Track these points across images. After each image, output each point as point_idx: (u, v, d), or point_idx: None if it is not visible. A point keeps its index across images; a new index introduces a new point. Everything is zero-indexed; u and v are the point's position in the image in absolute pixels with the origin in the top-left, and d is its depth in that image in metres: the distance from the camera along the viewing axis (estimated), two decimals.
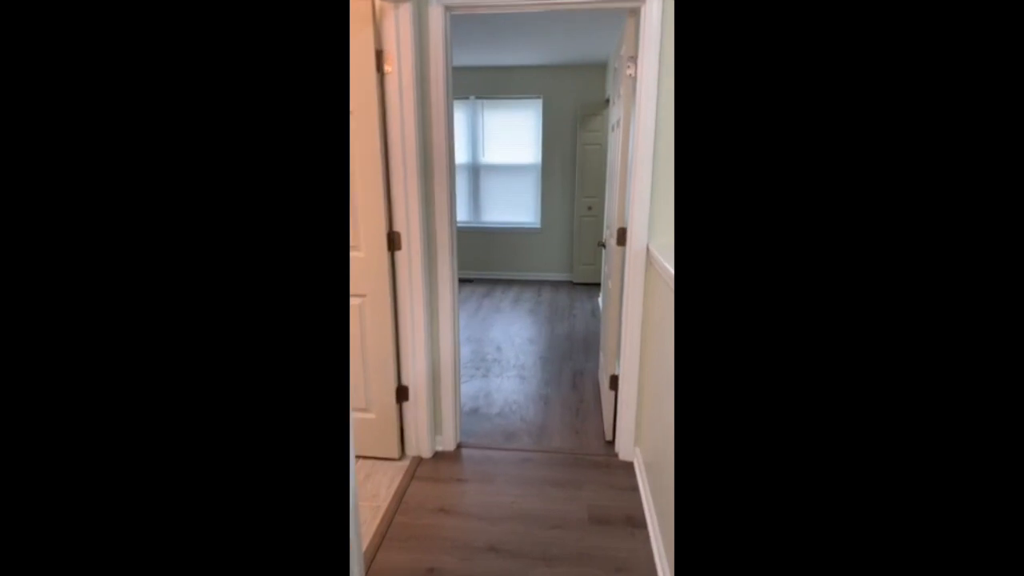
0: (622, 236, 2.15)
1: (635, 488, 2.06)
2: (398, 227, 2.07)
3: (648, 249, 2.00)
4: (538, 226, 5.45)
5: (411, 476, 2.16)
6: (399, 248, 2.08)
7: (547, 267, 5.55)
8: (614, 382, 2.30)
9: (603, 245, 2.80)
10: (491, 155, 5.35)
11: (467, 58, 4.64)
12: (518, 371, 3.18)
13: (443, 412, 2.32)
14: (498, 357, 3.40)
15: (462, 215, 5.53)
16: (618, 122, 2.37)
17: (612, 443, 2.37)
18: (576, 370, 3.19)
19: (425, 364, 2.21)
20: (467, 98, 5.23)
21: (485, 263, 5.60)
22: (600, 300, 4.57)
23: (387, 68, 1.91)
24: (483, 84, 5.17)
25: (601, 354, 2.80)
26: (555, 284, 5.40)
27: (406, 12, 1.86)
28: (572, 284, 5.39)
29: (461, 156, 5.38)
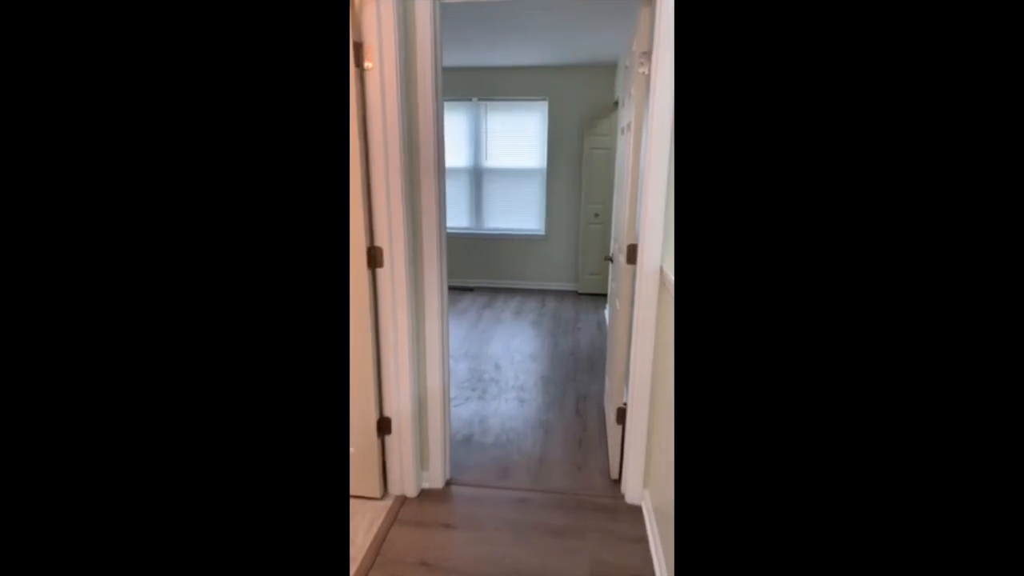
0: (632, 254, 1.92)
1: (643, 539, 1.82)
2: (380, 242, 1.85)
3: (662, 270, 1.76)
4: (542, 233, 5.23)
5: (393, 519, 1.93)
6: (380, 265, 1.86)
7: (551, 276, 5.32)
8: (621, 415, 2.07)
9: (611, 260, 2.56)
10: (494, 159, 5.13)
11: (468, 58, 4.43)
12: (517, 393, 2.95)
13: (430, 445, 2.09)
14: (496, 376, 3.17)
15: (463, 221, 5.31)
16: (629, 125, 2.14)
17: (618, 483, 2.14)
18: (580, 393, 2.95)
19: (410, 393, 1.98)
20: (469, 100, 5.02)
21: (487, 271, 5.38)
22: (607, 313, 4.33)
23: (367, 64, 1.69)
24: (485, 85, 4.95)
25: (607, 379, 2.56)
26: (559, 294, 5.17)
27: (389, 2, 1.64)
28: (577, 294, 5.16)
29: (462, 160, 5.17)
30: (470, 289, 5.30)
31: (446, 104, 5.06)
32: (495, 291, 5.23)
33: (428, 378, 2.04)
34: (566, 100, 4.89)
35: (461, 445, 2.42)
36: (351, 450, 1.98)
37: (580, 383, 3.08)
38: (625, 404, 2.01)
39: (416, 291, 1.95)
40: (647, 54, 1.75)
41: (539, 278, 5.34)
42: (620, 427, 2.09)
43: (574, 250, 5.21)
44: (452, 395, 2.91)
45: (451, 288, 5.31)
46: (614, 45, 3.88)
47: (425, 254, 1.91)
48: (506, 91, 4.94)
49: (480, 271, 5.39)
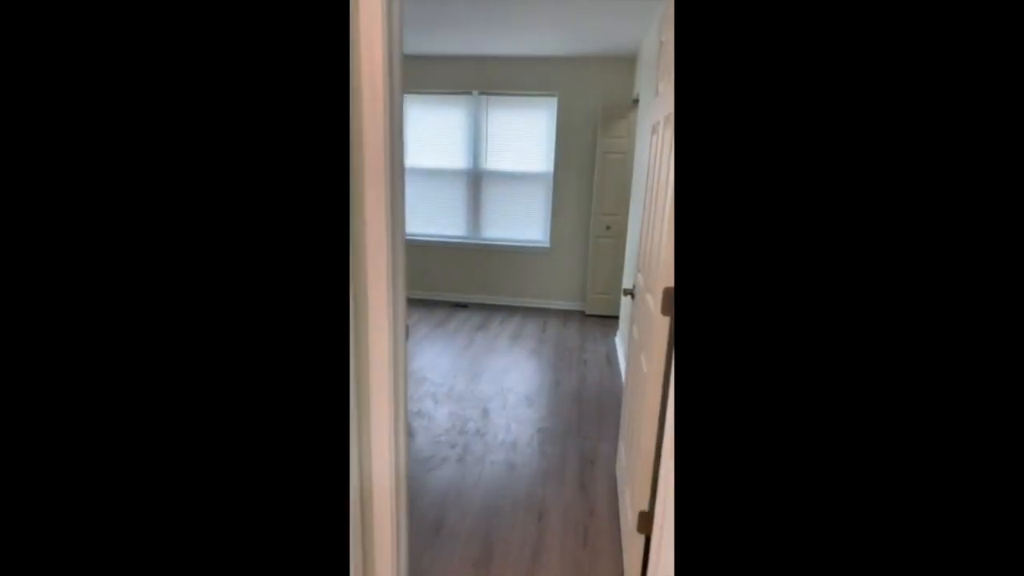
0: (671, 302, 1.33)
1: None
2: None
3: None
4: (547, 245, 4.64)
5: None
6: None
7: (555, 294, 4.73)
8: (645, 521, 1.48)
9: (631, 295, 1.97)
10: (495, 161, 4.55)
11: (466, 45, 3.87)
12: (507, 452, 2.35)
13: (376, 552, 1.51)
14: (483, 427, 2.57)
15: (459, 229, 4.74)
16: (667, 119, 1.55)
17: None
18: (586, 455, 2.36)
19: (350, 482, 1.39)
20: (468, 93, 4.45)
21: (483, 285, 4.80)
22: (617, 342, 3.73)
23: None
24: (488, 77, 4.38)
25: (621, 445, 1.97)
26: (564, 315, 4.57)
27: None
28: (584, 316, 4.57)
29: (459, 161, 4.59)
30: (464, 306, 4.71)
31: (441, 98, 4.49)
32: (492, 309, 4.65)
33: (373, 460, 1.46)
34: (578, 96, 4.31)
35: (427, 534, 1.83)
36: None
37: (586, 440, 2.49)
38: (651, 511, 1.41)
39: (359, 333, 1.37)
40: None
41: (541, 295, 4.75)
42: (643, 537, 1.49)
43: (582, 266, 4.63)
44: (427, 454, 2.33)
45: (443, 304, 4.73)
46: (634, 32, 3.30)
47: (370, 283, 1.33)
48: (511, 84, 4.37)
49: (476, 286, 4.81)
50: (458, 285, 4.83)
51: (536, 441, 2.46)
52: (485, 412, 2.72)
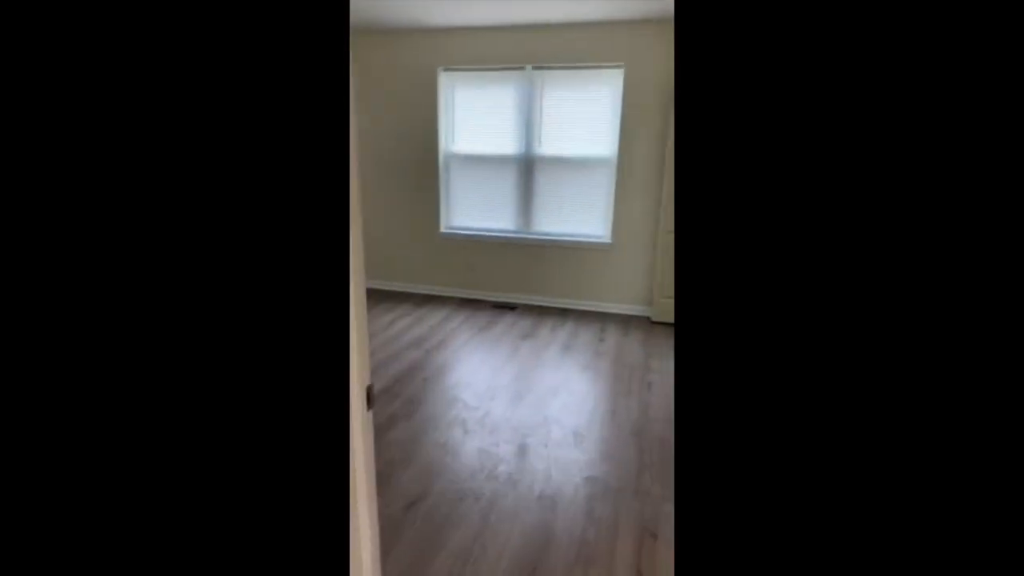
0: None
1: None
2: None
3: None
4: (607, 241, 4.06)
5: None
6: None
7: (617, 297, 4.15)
8: None
9: None
10: (550, 144, 4.01)
11: (518, 11, 3.33)
12: (544, 512, 1.86)
13: None
14: (517, 472, 2.10)
15: (508, 222, 4.25)
16: None
17: None
18: (646, 523, 1.82)
19: None
20: (520, 68, 3.92)
21: (534, 285, 4.30)
22: None
23: None
24: (543, 48, 3.83)
25: None
26: (626, 321, 3.99)
27: None
28: (650, 323, 3.96)
29: (509, 146, 4.09)
30: (512, 307, 4.24)
31: (488, 75, 3.99)
32: (542, 312, 4.14)
33: None
34: (648, 66, 3.67)
35: None
36: None
37: (646, 499, 1.95)
38: None
39: None
40: None
41: (600, 298, 4.18)
42: None
43: (648, 265, 4.01)
44: (445, 509, 1.88)
45: (488, 305, 4.28)
46: None
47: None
48: (569, 55, 3.80)
49: (526, 284, 4.32)
50: (506, 284, 4.36)
51: (582, 496, 1.95)
52: (522, 450, 2.24)
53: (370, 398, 1.03)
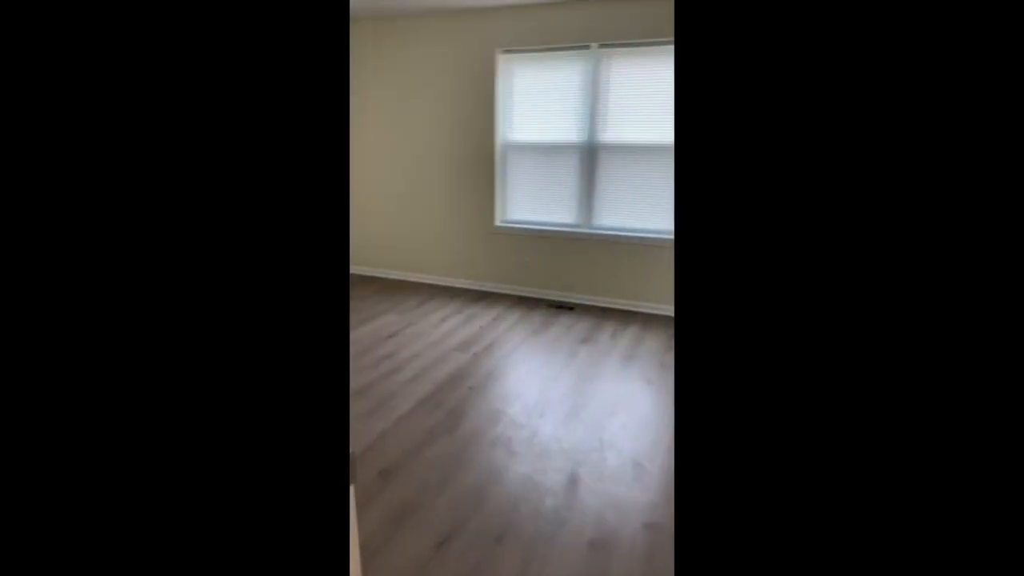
0: None
1: None
2: None
3: None
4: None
5: None
6: None
7: None
8: None
9: None
10: (615, 131, 3.65)
11: None
12: (595, 560, 1.58)
13: None
14: (565, 509, 1.82)
15: (567, 215, 3.94)
16: None
17: None
18: None
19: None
20: (585, 46, 3.58)
21: (595, 285, 3.97)
22: None
23: None
24: (610, 24, 3.46)
25: None
26: None
27: None
28: None
29: (570, 132, 3.77)
30: (570, 307, 3.94)
31: (549, 56, 3.67)
32: (603, 314, 3.81)
33: None
34: None
35: None
36: None
37: None
38: None
39: None
40: None
41: (669, 300, 3.79)
42: None
43: None
44: (475, 557, 1.64)
45: (544, 305, 4.01)
46: None
47: None
48: (639, 30, 3.41)
49: (585, 284, 4.00)
50: (564, 282, 4.06)
51: (640, 546, 1.65)
52: (573, 481, 1.96)
53: (352, 471, 0.80)
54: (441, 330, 3.45)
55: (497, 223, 4.17)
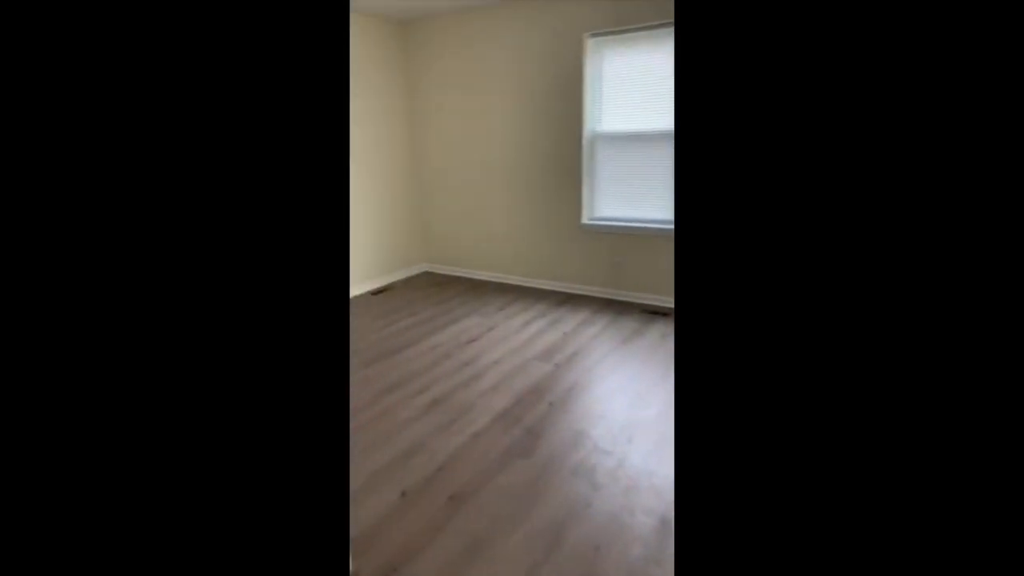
0: None
1: None
2: None
3: None
4: None
5: None
6: None
7: None
8: None
9: None
10: None
11: None
12: None
13: None
14: (655, 558, 1.55)
15: (658, 211, 3.58)
16: None
17: None
18: None
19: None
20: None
21: None
22: None
23: None
24: None
25: None
26: None
27: None
28: None
29: (660, 119, 3.40)
30: (665, 313, 3.59)
31: (640, 36, 3.33)
32: None
33: None
34: None
35: None
36: None
37: None
38: None
39: None
40: None
41: None
42: None
43: None
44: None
45: (636, 309, 3.68)
46: None
47: None
48: None
49: None
50: (658, 285, 3.71)
51: None
52: (665, 525, 1.68)
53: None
54: (523, 336, 3.27)
55: (584, 220, 3.91)
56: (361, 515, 1.75)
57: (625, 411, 2.37)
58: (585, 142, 3.76)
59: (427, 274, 4.79)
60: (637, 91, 3.47)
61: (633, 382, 2.63)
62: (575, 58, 3.61)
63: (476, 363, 2.90)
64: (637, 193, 3.67)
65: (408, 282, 4.56)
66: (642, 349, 3.02)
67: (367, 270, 4.33)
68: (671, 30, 3.25)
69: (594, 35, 3.53)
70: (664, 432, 2.18)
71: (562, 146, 3.84)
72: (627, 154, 3.63)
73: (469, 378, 2.73)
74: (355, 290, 4.22)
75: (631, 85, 3.49)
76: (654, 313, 3.59)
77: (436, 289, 4.31)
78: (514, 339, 3.22)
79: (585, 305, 3.81)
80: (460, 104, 4.24)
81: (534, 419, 2.33)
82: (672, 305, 3.68)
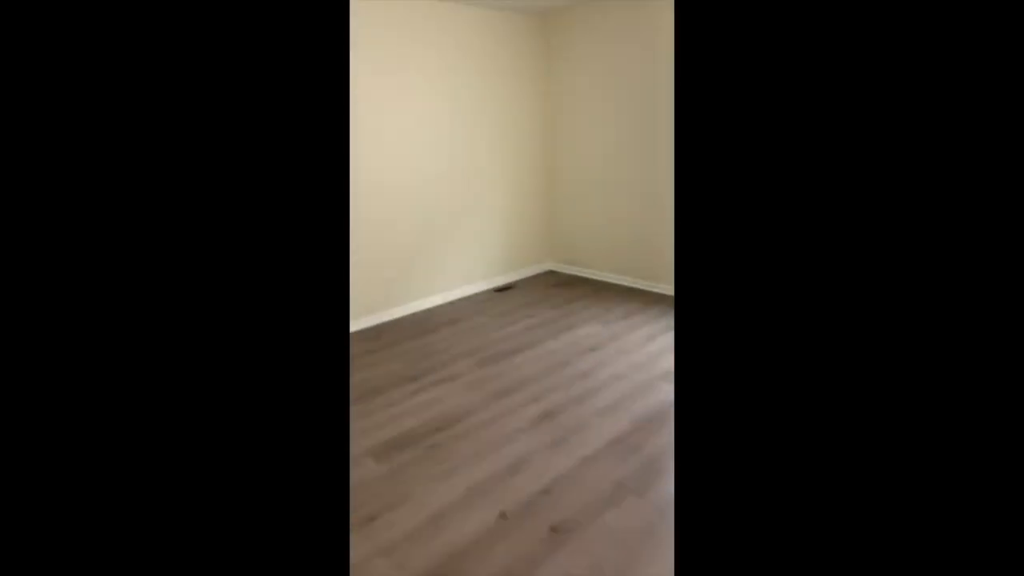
0: None
1: None
2: None
3: None
4: None
5: None
6: None
7: None
8: None
9: None
10: None
11: None
12: None
13: None
14: None
15: None
16: None
17: None
18: None
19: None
20: None
21: None
22: None
23: None
24: None
25: None
26: None
27: None
28: None
29: None
30: None
31: None
32: None
33: None
34: None
35: None
36: None
37: None
38: None
39: None
40: None
41: None
42: None
43: None
44: None
45: None
46: None
47: None
48: None
49: None
50: None
51: None
52: None
53: None
54: (648, 350, 2.98)
55: None
56: (455, 534, 1.66)
57: None
58: None
59: (551, 273, 4.66)
60: None
61: None
62: None
63: (594, 376, 2.69)
64: None
65: (531, 280, 4.47)
66: None
67: (493, 266, 4.32)
68: None
69: None
70: None
71: None
72: None
73: (585, 392, 2.53)
74: (478, 286, 4.23)
75: None
76: None
77: (558, 290, 4.16)
78: (637, 353, 2.95)
79: None
80: (591, 98, 4.01)
81: (654, 451, 2.07)
82: None
